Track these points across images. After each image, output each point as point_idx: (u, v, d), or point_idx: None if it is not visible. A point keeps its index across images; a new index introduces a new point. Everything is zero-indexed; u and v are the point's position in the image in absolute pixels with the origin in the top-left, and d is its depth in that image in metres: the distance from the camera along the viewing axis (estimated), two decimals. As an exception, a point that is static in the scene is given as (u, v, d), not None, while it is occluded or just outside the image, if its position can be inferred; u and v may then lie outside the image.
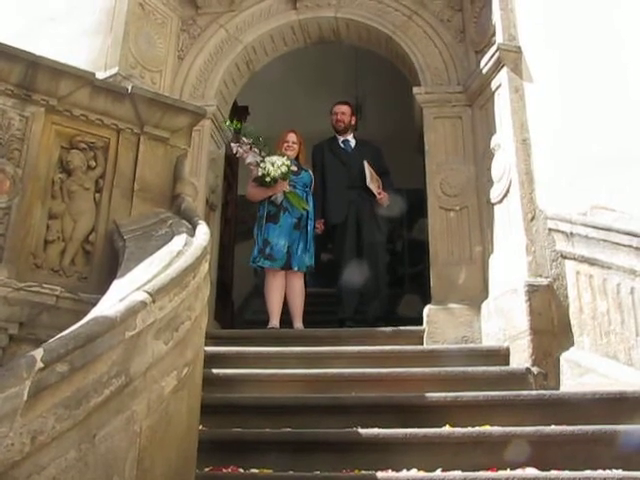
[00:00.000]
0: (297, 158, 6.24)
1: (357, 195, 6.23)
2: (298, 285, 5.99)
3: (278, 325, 5.79)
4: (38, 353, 2.04)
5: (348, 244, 6.14)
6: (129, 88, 4.32)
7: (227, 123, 6.25)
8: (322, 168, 6.40)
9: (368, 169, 6.20)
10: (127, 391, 2.33)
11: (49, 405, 2.02)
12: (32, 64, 3.94)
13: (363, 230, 6.18)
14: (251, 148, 5.91)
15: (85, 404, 2.13)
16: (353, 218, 6.21)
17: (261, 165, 5.83)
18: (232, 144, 6.12)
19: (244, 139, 5.97)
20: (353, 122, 6.68)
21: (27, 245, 3.83)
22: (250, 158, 5.91)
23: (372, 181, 6.19)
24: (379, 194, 6.20)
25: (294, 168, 6.00)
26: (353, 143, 6.56)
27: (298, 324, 5.84)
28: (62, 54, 4.35)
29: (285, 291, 5.94)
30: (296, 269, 5.90)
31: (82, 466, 2.08)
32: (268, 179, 5.79)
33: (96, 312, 2.49)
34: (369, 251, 6.12)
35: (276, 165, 5.77)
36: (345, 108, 6.64)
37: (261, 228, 5.96)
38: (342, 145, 6.53)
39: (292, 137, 6.27)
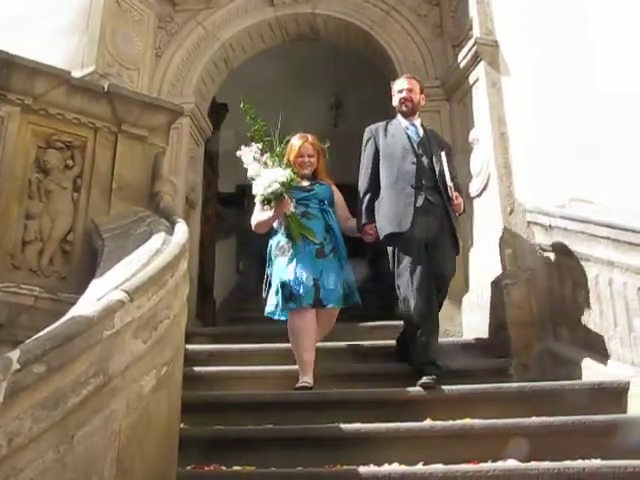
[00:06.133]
0: (314, 171, 4.69)
1: (426, 198, 4.31)
2: (328, 324, 4.55)
3: (311, 383, 4.15)
4: (14, 354, 2.02)
5: (412, 267, 4.16)
6: (106, 86, 4.31)
7: (243, 107, 4.39)
8: (374, 159, 4.54)
9: (447, 164, 4.39)
10: (106, 390, 2.32)
11: (26, 406, 2.00)
12: (7, 63, 3.93)
13: (435, 250, 4.27)
14: (254, 158, 4.39)
15: (63, 405, 2.11)
16: (421, 231, 4.24)
17: (255, 181, 4.39)
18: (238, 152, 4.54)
19: (253, 144, 4.43)
20: (423, 102, 4.78)
21: (4, 245, 3.81)
22: (250, 171, 4.42)
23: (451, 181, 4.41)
24: (456, 198, 4.36)
25: (305, 183, 4.56)
26: (422, 130, 4.62)
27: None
28: (38, 53, 4.30)
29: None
30: (330, 306, 4.34)
31: (60, 467, 2.07)
32: (260, 200, 4.39)
33: (74, 312, 2.48)
34: (437, 282, 4.26)
35: (264, 184, 4.27)
36: (414, 83, 4.71)
37: (272, 266, 4.48)
38: (407, 130, 4.60)
39: (308, 149, 4.65)
